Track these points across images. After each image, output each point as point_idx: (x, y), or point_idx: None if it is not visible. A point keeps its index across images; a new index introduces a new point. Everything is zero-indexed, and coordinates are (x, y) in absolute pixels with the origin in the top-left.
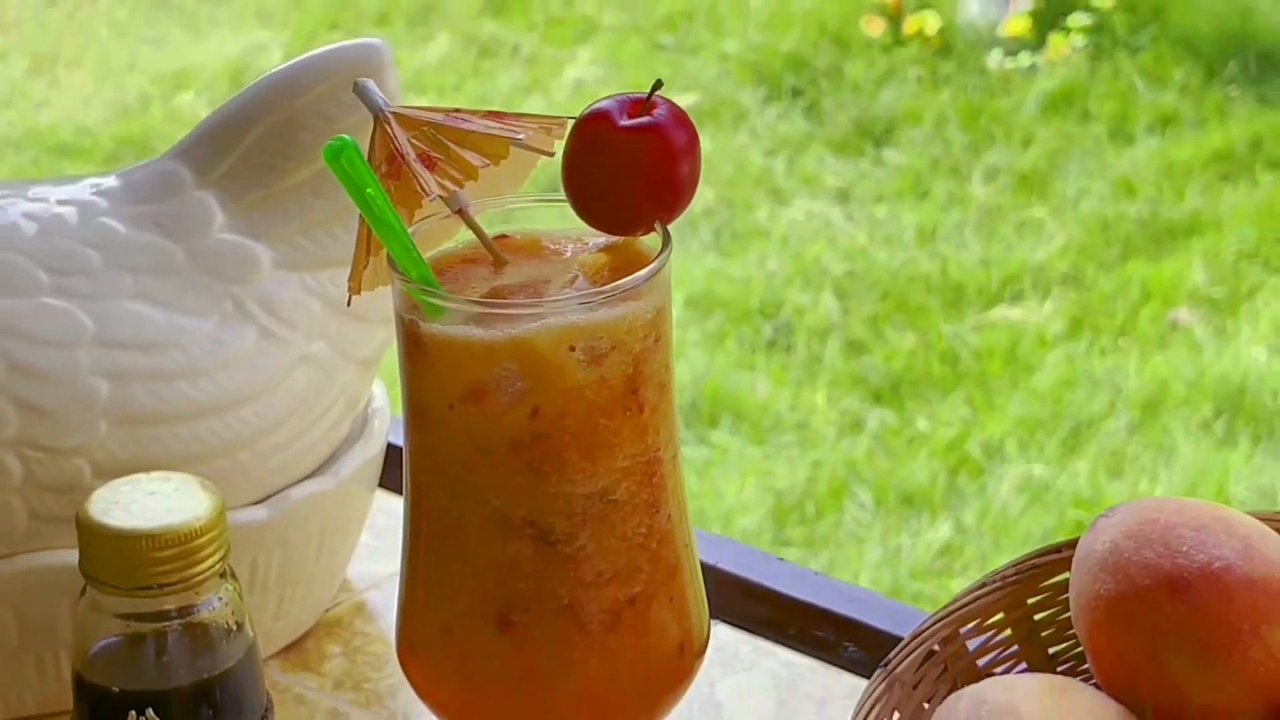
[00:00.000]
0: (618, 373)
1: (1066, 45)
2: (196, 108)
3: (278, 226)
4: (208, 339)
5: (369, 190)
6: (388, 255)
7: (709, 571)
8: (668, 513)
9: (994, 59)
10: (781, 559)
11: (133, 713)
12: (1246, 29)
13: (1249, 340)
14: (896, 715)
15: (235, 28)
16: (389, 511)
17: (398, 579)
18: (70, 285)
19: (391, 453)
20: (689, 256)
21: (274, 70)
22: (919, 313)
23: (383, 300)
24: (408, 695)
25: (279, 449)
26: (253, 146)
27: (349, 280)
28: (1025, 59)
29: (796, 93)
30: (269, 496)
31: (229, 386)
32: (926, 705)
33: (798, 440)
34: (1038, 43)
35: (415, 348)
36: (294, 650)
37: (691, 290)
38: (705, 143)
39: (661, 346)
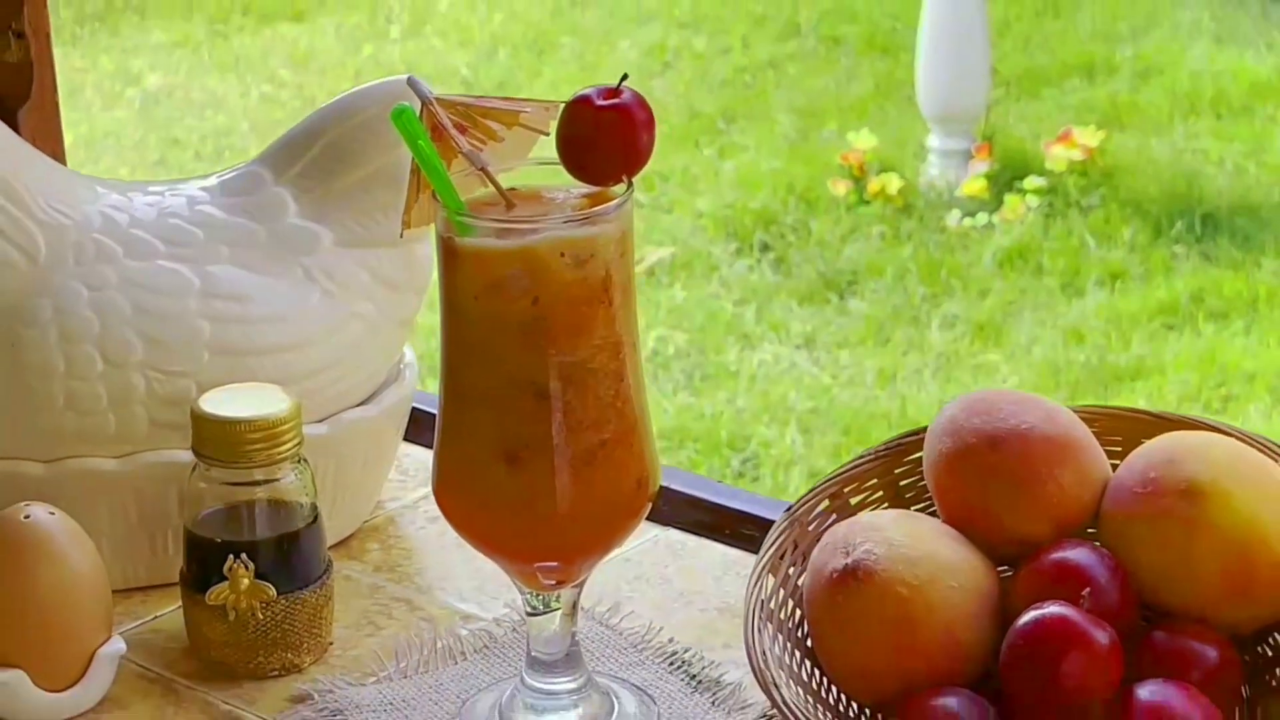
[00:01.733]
0: (595, 275)
1: (1021, 205)
2: None
3: (336, 214)
4: (283, 296)
5: (421, 141)
6: (433, 192)
7: (669, 493)
8: (629, 382)
9: (953, 218)
10: (720, 482)
11: (230, 557)
12: (1192, 192)
13: None
14: (796, 544)
15: None
16: (414, 457)
17: (419, 502)
18: (181, 253)
19: (414, 413)
20: (663, 394)
21: (333, 100)
22: None
23: (414, 273)
24: (431, 575)
25: (335, 382)
26: (317, 155)
27: (403, 216)
28: (982, 218)
29: (766, 247)
30: (327, 417)
31: (299, 332)
32: (819, 540)
33: None
34: (994, 203)
35: (451, 257)
36: (341, 546)
37: (663, 425)
38: (678, 293)
39: (625, 261)
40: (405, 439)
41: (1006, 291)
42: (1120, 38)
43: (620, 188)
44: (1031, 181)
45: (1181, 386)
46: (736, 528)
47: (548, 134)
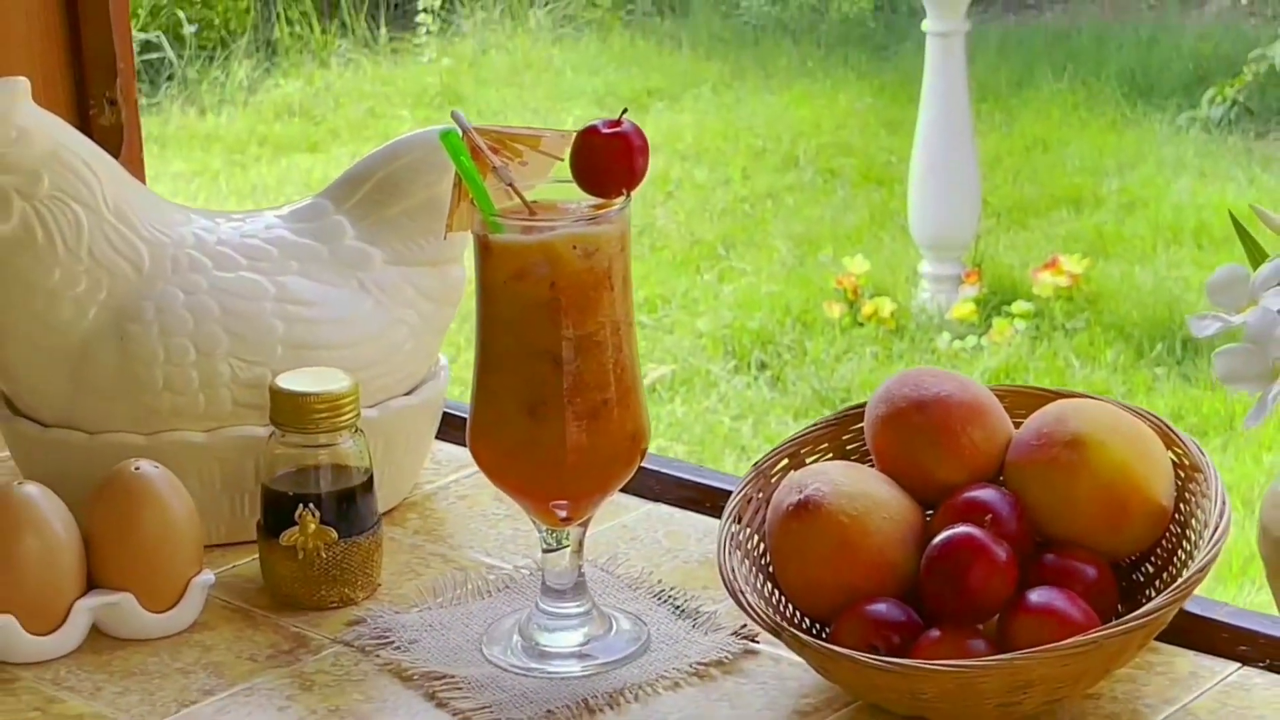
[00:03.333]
0: (600, 265)
1: (1009, 328)
2: None
3: (385, 238)
4: (342, 303)
5: (462, 157)
6: (471, 200)
7: (661, 474)
8: (626, 353)
9: (943, 340)
10: (702, 466)
11: (300, 505)
12: (1173, 317)
13: None
14: (760, 492)
15: None
16: (445, 451)
17: (451, 484)
18: (259, 266)
19: (445, 417)
20: None
21: (385, 144)
22: None
23: (449, 290)
24: (461, 537)
25: (383, 375)
26: (371, 189)
27: (447, 220)
28: (971, 340)
29: (763, 365)
30: (377, 404)
31: (354, 333)
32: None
33: None
34: (983, 326)
35: (485, 251)
36: (387, 516)
37: None
38: (679, 407)
39: (624, 255)
40: (437, 437)
41: None
42: (1107, 172)
43: (621, 200)
44: (1019, 306)
45: None
46: (717, 502)
47: (562, 159)
